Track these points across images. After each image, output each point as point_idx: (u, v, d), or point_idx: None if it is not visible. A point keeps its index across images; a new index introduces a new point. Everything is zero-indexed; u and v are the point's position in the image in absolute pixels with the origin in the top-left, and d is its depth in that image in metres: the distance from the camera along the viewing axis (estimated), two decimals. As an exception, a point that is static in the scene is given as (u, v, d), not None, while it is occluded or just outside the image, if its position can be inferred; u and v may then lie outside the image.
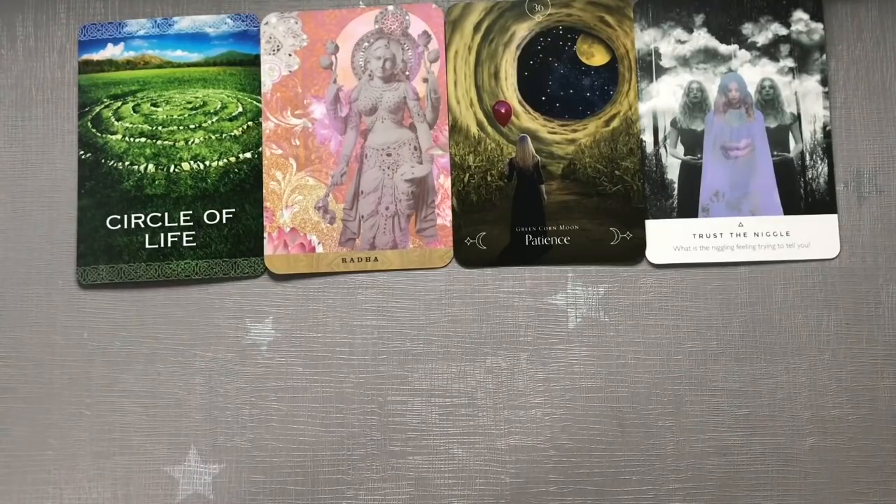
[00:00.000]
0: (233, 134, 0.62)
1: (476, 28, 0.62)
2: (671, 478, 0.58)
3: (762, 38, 0.61)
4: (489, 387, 0.59)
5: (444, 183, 0.61)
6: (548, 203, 0.60)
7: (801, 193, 0.59)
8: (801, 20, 0.61)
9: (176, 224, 0.61)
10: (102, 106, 0.62)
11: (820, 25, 0.61)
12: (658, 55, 0.61)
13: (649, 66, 0.61)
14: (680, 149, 0.60)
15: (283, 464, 0.59)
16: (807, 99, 0.60)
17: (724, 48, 0.61)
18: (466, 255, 0.60)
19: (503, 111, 0.61)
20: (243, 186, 0.61)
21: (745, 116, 0.60)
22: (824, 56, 0.60)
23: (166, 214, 0.61)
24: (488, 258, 0.60)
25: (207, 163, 0.61)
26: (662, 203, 0.60)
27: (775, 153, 0.60)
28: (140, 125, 0.62)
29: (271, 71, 0.62)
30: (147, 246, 0.60)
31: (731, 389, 0.58)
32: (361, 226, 0.61)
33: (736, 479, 0.57)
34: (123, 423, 0.59)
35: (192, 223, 0.61)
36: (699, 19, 0.61)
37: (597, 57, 0.61)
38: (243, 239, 0.60)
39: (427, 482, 0.58)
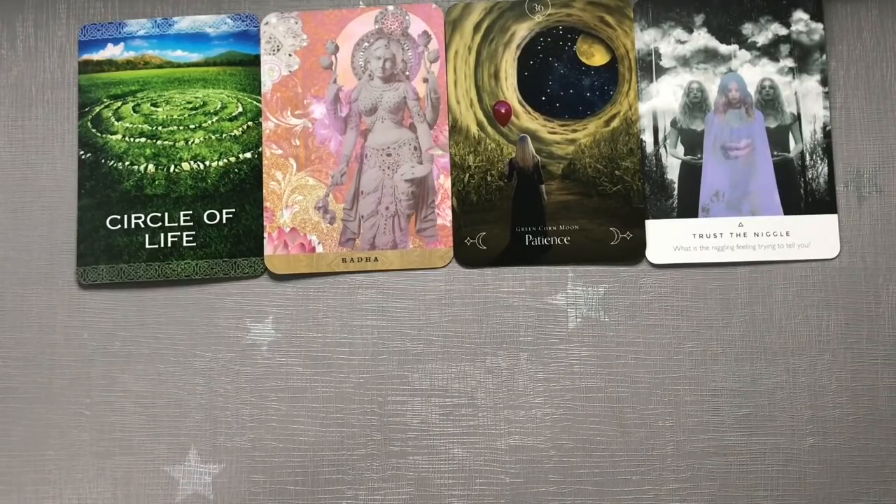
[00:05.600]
0: (233, 134, 0.62)
1: (476, 28, 0.62)
2: (671, 478, 0.58)
3: (762, 38, 0.61)
4: (489, 387, 0.59)
5: (444, 183, 0.61)
6: (548, 203, 0.60)
7: (801, 193, 0.59)
8: (801, 20, 0.61)
9: (176, 224, 0.61)
10: (102, 106, 0.62)
11: (820, 25, 0.61)
12: (658, 55, 0.61)
13: (649, 66, 0.61)
14: (680, 149, 0.60)
15: (283, 464, 0.59)
16: (807, 99, 0.60)
17: (724, 48, 0.61)
18: (466, 255, 0.60)
19: (503, 111, 0.61)
20: (243, 186, 0.61)
21: (745, 116, 0.60)
22: (824, 56, 0.60)
23: (166, 214, 0.61)
24: (488, 258, 0.60)
25: (207, 163, 0.61)
26: (662, 203, 0.60)
27: (775, 153, 0.60)
28: (140, 125, 0.62)
29: (271, 71, 0.62)
30: (147, 246, 0.60)
31: (731, 389, 0.58)
32: (361, 226, 0.61)
33: (736, 479, 0.57)
34: (123, 423, 0.59)
35: (192, 223, 0.61)
36: (699, 19, 0.61)
37: (597, 57, 0.61)
38: (243, 239, 0.60)
39: (427, 482, 0.58)
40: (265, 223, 0.61)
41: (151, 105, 0.62)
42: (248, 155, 0.61)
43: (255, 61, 0.62)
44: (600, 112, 0.61)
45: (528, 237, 0.60)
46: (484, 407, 0.59)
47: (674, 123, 0.61)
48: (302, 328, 0.60)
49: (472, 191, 0.60)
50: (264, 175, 0.61)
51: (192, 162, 0.61)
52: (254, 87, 0.62)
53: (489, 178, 0.61)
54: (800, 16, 0.61)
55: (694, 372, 0.58)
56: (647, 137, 0.60)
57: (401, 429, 0.59)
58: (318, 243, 0.60)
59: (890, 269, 0.59)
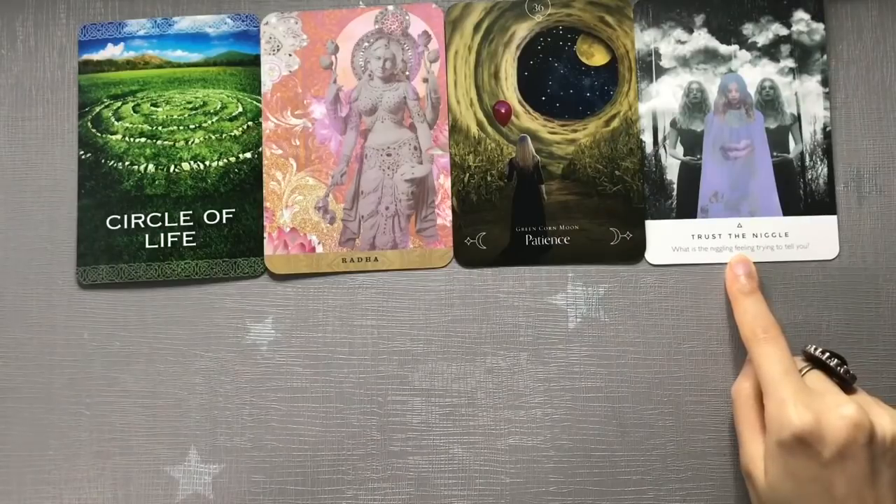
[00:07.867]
0: (233, 134, 0.62)
1: (476, 28, 0.62)
2: (671, 478, 0.58)
3: (763, 39, 0.61)
4: (489, 387, 0.59)
5: (444, 183, 0.61)
6: (548, 203, 0.60)
7: (800, 194, 0.59)
8: (801, 20, 0.61)
9: (176, 224, 0.61)
10: (102, 106, 0.62)
11: (821, 26, 0.61)
12: (658, 55, 0.61)
13: (649, 67, 0.61)
14: (679, 149, 0.60)
15: (283, 464, 0.59)
16: (807, 99, 0.60)
17: (724, 48, 0.61)
18: (466, 255, 0.60)
19: (503, 111, 0.61)
20: (243, 186, 0.61)
21: (745, 117, 0.60)
22: (825, 56, 0.60)
23: (166, 214, 0.61)
24: (488, 258, 0.60)
25: (207, 163, 0.61)
26: (662, 203, 0.60)
27: (775, 154, 0.60)
28: (140, 125, 0.62)
29: (271, 71, 0.62)
30: (147, 246, 0.60)
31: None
32: (361, 226, 0.61)
33: (736, 479, 0.57)
34: (123, 423, 0.59)
35: (192, 223, 0.61)
36: (699, 19, 0.61)
37: (597, 57, 0.61)
38: (243, 239, 0.61)
39: (427, 482, 0.58)
40: (265, 223, 0.61)
41: (151, 105, 0.62)
42: (248, 155, 0.61)
43: (255, 61, 0.62)
44: (600, 112, 0.61)
45: (528, 237, 0.60)
46: (484, 407, 0.59)
47: (673, 124, 0.61)
48: (302, 328, 0.60)
49: (472, 191, 0.60)
50: (264, 175, 0.61)
51: (192, 162, 0.61)
52: (254, 87, 0.62)
53: (489, 178, 0.61)
54: (801, 16, 0.61)
55: (694, 372, 0.58)
56: (647, 138, 0.60)
57: (401, 429, 0.59)
58: (318, 243, 0.60)
59: (890, 269, 0.59)
